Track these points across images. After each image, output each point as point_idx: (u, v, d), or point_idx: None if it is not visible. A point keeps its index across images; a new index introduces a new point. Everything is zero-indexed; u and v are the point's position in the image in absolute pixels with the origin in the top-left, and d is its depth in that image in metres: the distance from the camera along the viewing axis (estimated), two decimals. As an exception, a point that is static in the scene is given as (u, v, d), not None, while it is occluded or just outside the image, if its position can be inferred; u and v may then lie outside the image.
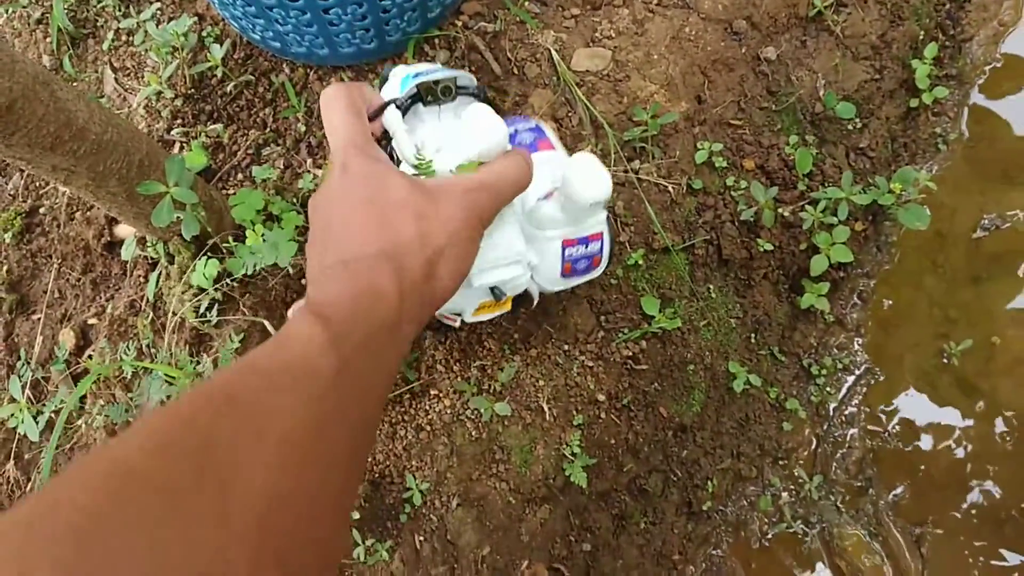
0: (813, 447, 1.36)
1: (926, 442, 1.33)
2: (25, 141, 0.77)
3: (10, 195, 1.31)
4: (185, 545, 0.26)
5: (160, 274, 1.08)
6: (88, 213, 1.22)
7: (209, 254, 1.02)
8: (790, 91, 1.28)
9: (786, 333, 1.35)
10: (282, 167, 1.18)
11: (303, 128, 1.21)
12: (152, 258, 1.11)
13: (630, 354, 1.14)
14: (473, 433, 1.09)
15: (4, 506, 1.18)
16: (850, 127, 1.31)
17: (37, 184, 1.30)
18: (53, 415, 1.09)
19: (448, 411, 1.08)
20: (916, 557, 1.29)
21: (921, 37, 1.37)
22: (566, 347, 1.12)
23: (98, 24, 1.37)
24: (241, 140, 1.21)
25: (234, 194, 1.10)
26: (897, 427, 1.34)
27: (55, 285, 1.22)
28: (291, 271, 1.07)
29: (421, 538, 1.08)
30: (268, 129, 1.22)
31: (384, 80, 0.70)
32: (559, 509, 1.15)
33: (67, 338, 1.17)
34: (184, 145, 1.21)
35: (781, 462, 1.35)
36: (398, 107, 0.57)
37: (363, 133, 0.50)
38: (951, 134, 1.41)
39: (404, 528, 1.08)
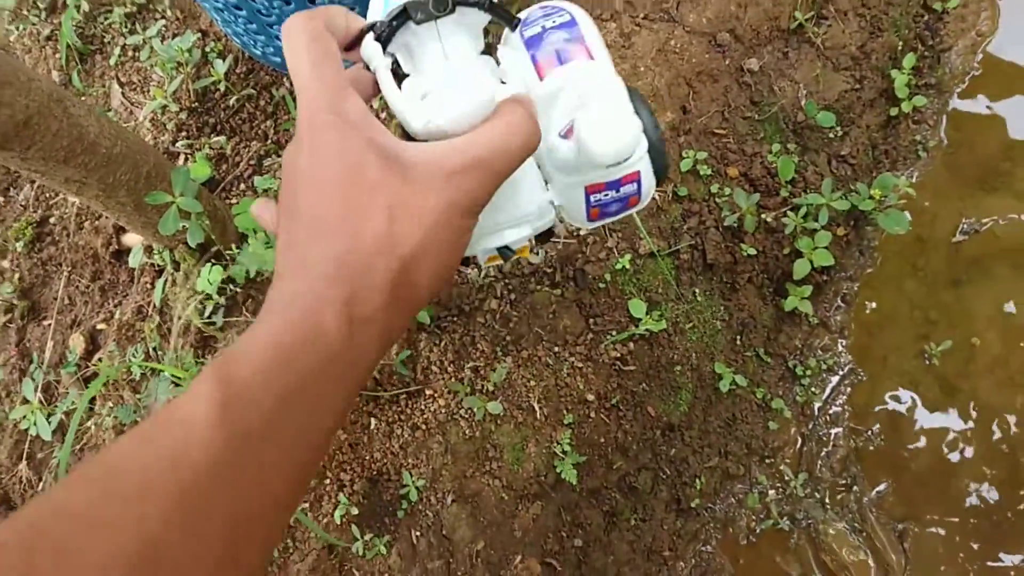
0: (799, 446, 1.40)
1: (908, 440, 1.37)
2: (40, 155, 0.82)
3: (21, 206, 1.36)
4: None
5: (166, 280, 1.13)
6: (96, 223, 1.27)
7: (213, 261, 1.07)
8: (772, 101, 1.32)
9: (771, 335, 1.39)
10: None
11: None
12: (158, 265, 1.16)
13: (618, 355, 1.19)
14: (467, 432, 1.13)
15: (17, 505, 1.23)
16: (831, 135, 1.35)
17: (47, 195, 1.35)
18: (64, 416, 1.14)
19: (443, 410, 1.12)
20: (899, 552, 1.33)
21: (900, 48, 1.41)
22: (556, 349, 1.16)
23: (105, 40, 1.42)
24: (243, 151, 1.26)
25: (237, 203, 1.15)
26: (880, 426, 1.38)
27: (65, 292, 1.27)
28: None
29: (417, 533, 1.12)
30: (269, 141, 1.26)
31: None
32: (551, 506, 1.19)
33: (77, 343, 1.22)
34: (188, 157, 1.26)
35: (767, 460, 1.39)
36: (378, 37, 0.43)
37: (332, 82, 0.38)
38: (931, 141, 1.46)
39: (401, 523, 1.12)
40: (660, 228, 1.23)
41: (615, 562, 1.28)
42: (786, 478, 1.38)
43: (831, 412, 1.40)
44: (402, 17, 0.43)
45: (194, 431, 0.31)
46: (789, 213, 1.26)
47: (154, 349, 1.11)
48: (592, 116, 0.44)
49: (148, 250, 1.16)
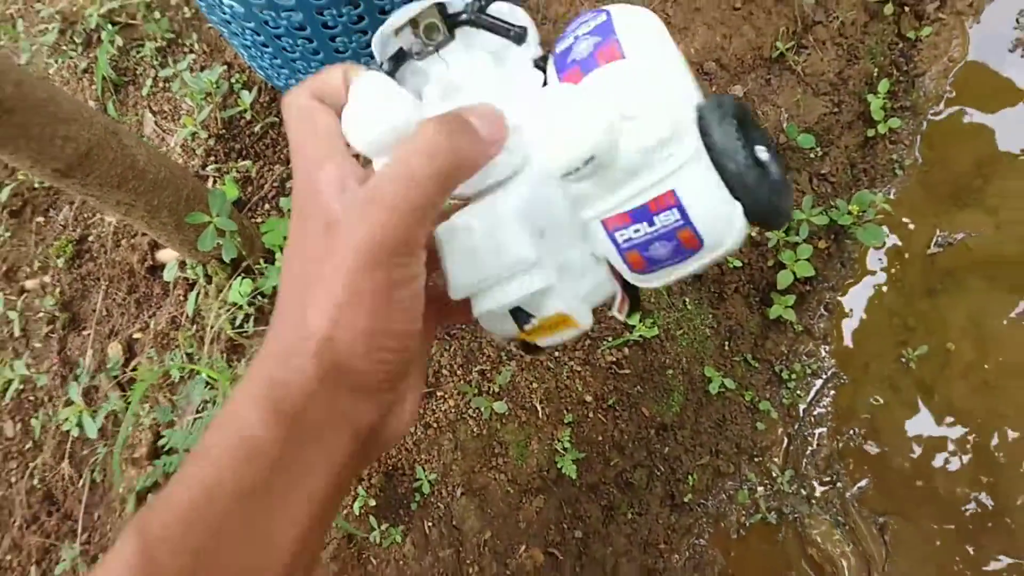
0: (785, 445, 1.49)
1: (888, 439, 1.46)
2: (97, 181, 0.93)
3: (60, 225, 1.47)
4: None
5: (199, 293, 1.23)
6: (132, 240, 1.38)
7: (243, 275, 1.18)
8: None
9: (758, 341, 1.49)
10: (304, 198, 1.34)
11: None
12: (191, 279, 1.27)
13: (614, 360, 1.29)
14: (475, 430, 1.23)
15: (60, 501, 1.33)
16: (812, 155, 1.46)
17: (85, 215, 1.46)
18: (104, 419, 1.24)
19: (452, 410, 1.23)
20: (879, 544, 1.42)
21: (875, 74, 1.52)
22: (556, 353, 1.26)
23: (137, 73, 1.54)
24: (267, 175, 1.37)
25: (263, 222, 1.25)
26: (861, 426, 1.47)
27: (103, 304, 1.38)
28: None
29: (430, 523, 1.22)
30: (291, 165, 1.37)
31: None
32: (553, 499, 1.29)
33: (115, 351, 1.32)
34: (217, 179, 1.37)
35: (756, 459, 1.49)
36: (388, 72, 0.39)
37: (311, 156, 0.35)
38: (907, 160, 1.56)
39: (414, 515, 1.22)
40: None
41: (613, 553, 1.37)
42: (773, 475, 1.48)
43: (815, 413, 1.50)
44: (400, 59, 0.40)
45: None
46: (771, 228, 1.36)
47: (187, 355, 1.21)
48: (546, 111, 0.35)
49: (182, 265, 1.27)
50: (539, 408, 1.24)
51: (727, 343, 1.44)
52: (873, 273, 1.53)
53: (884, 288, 1.53)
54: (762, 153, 0.36)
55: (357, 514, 1.20)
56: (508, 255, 0.37)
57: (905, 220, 1.54)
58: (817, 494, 1.46)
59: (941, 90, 1.59)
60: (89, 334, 1.37)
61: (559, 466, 1.26)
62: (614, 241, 0.37)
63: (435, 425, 1.22)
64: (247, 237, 1.20)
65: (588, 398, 1.27)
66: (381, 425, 0.36)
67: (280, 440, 0.31)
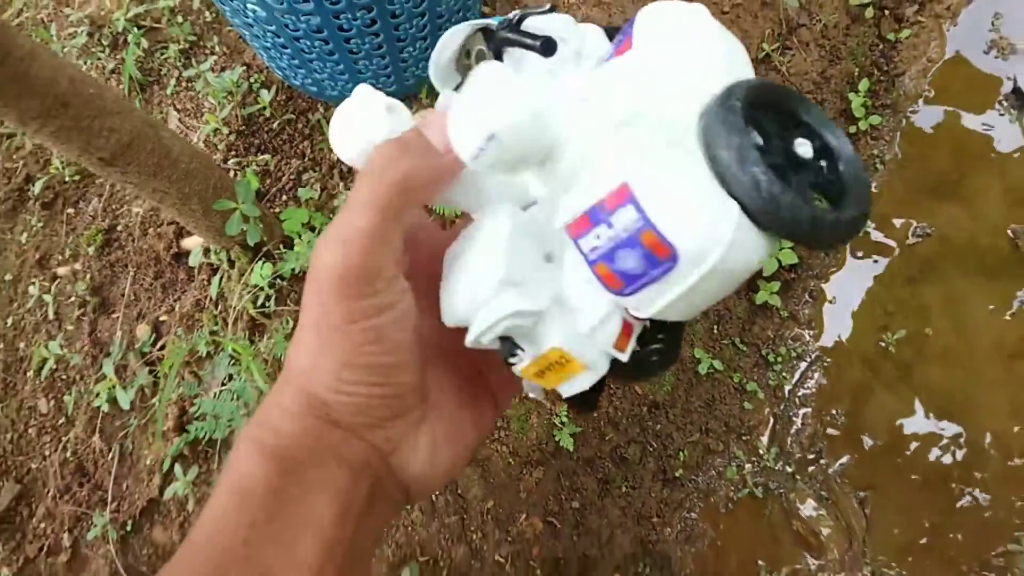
0: (771, 424, 1.58)
1: (868, 418, 1.55)
2: (136, 170, 1.02)
3: (90, 216, 1.57)
4: None
5: (222, 276, 1.33)
6: (159, 230, 1.47)
7: (263, 259, 1.27)
8: (743, 121, 1.52)
9: (746, 326, 1.58)
10: (319, 189, 1.44)
11: (336, 157, 1.46)
12: (215, 264, 1.36)
13: (608, 340, 1.38)
14: (478, 404, 1.32)
15: (91, 472, 1.42)
16: (795, 150, 1.54)
17: (113, 207, 1.56)
18: (134, 393, 1.34)
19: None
20: (860, 516, 1.50)
21: (856, 73, 1.61)
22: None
23: (162, 73, 1.63)
24: (285, 168, 1.46)
25: (280, 212, 1.35)
26: (843, 406, 1.56)
27: (131, 289, 1.47)
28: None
29: (436, 492, 1.31)
30: (307, 158, 1.47)
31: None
32: (551, 471, 1.38)
33: (142, 332, 1.42)
34: (238, 172, 1.46)
35: (744, 437, 1.58)
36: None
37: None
38: (887, 155, 1.65)
39: (422, 483, 1.31)
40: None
41: (608, 524, 1.46)
42: (760, 452, 1.56)
43: (800, 394, 1.59)
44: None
45: None
46: (757, 218, 1.45)
47: (211, 333, 1.31)
48: (468, 92, 0.32)
49: (206, 251, 1.37)
50: (538, 384, 1.33)
51: (716, 327, 1.53)
52: (855, 262, 1.62)
53: (865, 276, 1.62)
54: (802, 148, 0.29)
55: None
56: (484, 273, 0.32)
57: (886, 212, 1.63)
58: (801, 470, 1.55)
59: (920, 89, 1.68)
60: (118, 317, 1.46)
61: (557, 439, 1.35)
62: (582, 252, 0.31)
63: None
64: (267, 224, 1.29)
65: (584, 376, 1.36)
66: (395, 464, 0.34)
67: (272, 473, 0.31)
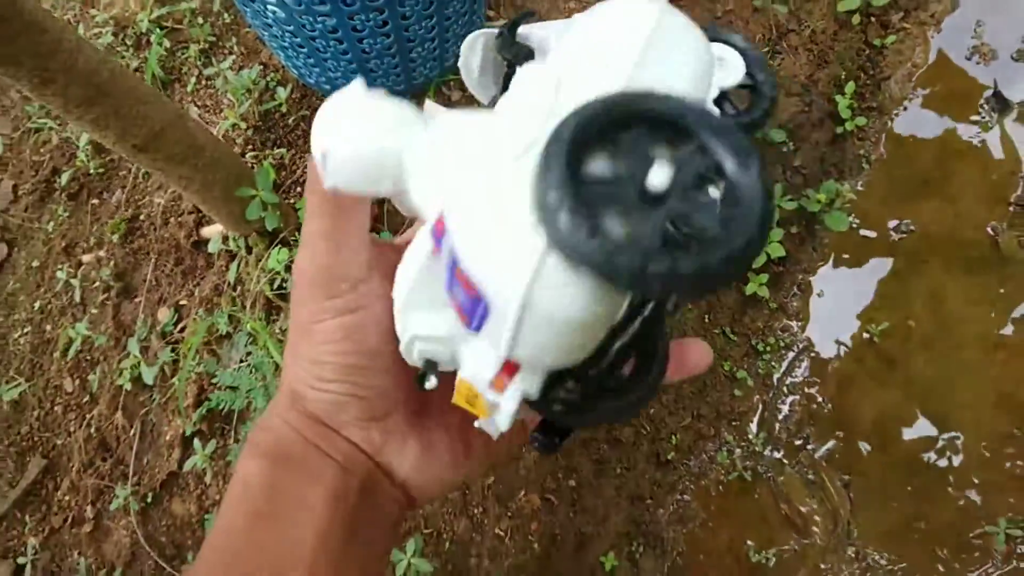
0: (760, 410, 1.65)
1: (853, 405, 1.62)
2: (165, 156, 1.10)
3: (114, 206, 1.65)
4: None
5: (240, 262, 1.41)
6: (179, 219, 1.56)
7: (280, 245, 1.35)
8: (734, 121, 1.60)
9: (736, 316, 1.65)
10: (332, 182, 1.51)
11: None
12: (233, 251, 1.44)
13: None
14: (480, 384, 1.40)
15: (114, 447, 1.50)
16: (784, 149, 1.62)
17: (136, 198, 1.64)
18: (157, 370, 1.42)
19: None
20: (845, 500, 1.57)
21: (843, 77, 1.69)
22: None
23: (183, 71, 1.72)
24: (299, 161, 1.55)
25: (295, 202, 1.43)
26: (829, 394, 1.63)
27: (152, 275, 1.55)
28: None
29: (440, 498, 1.39)
30: (320, 153, 1.55)
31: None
32: (549, 450, 1.45)
33: (164, 315, 1.50)
34: (255, 165, 1.55)
35: (734, 423, 1.65)
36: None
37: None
38: (873, 155, 1.73)
39: (427, 458, 1.39)
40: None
41: (604, 504, 1.53)
42: (749, 437, 1.63)
43: (788, 382, 1.66)
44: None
45: None
46: (746, 212, 1.53)
47: (230, 314, 1.39)
48: None
49: (224, 239, 1.45)
50: (537, 366, 1.41)
51: (707, 316, 1.61)
52: (841, 256, 1.70)
53: (851, 270, 1.69)
54: (657, 177, 0.22)
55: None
56: (397, 291, 0.30)
57: (872, 208, 1.71)
58: (789, 455, 1.62)
59: (905, 92, 1.76)
60: (140, 301, 1.54)
61: (555, 419, 1.42)
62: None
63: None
64: (284, 212, 1.37)
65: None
66: (384, 464, 0.35)
67: (267, 468, 0.32)
